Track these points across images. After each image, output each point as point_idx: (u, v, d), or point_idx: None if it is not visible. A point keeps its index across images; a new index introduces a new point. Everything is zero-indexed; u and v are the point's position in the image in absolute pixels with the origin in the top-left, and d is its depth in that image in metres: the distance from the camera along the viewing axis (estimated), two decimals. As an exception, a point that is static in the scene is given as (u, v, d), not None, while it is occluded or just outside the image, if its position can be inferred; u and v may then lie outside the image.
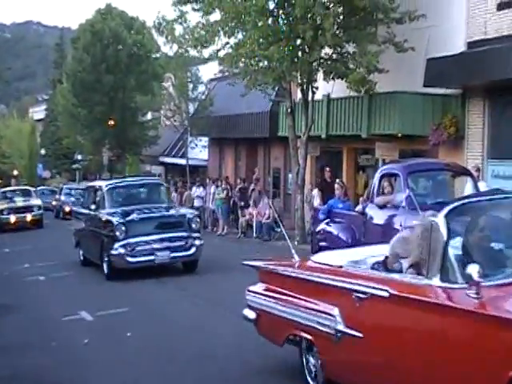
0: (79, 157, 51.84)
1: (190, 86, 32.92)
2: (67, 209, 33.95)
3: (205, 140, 34.43)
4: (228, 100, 28.33)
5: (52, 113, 58.67)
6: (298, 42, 18.24)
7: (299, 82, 19.38)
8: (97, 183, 16.62)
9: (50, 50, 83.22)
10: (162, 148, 40.37)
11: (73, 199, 34.56)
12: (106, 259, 13.79)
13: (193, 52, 28.66)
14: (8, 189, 34.83)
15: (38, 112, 75.63)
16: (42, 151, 64.52)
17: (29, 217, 29.22)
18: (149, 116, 43.38)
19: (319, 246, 12.05)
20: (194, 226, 13.90)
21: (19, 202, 29.68)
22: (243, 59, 19.19)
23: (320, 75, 18.87)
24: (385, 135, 18.14)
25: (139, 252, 13.34)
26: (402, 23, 16.95)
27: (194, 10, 20.48)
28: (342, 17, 17.78)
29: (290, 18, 18.08)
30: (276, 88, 22.25)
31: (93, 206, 15.07)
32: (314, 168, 23.25)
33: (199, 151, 34.18)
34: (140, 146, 42.30)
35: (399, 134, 17.56)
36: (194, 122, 32.22)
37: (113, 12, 42.97)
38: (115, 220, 13.58)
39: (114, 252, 13.33)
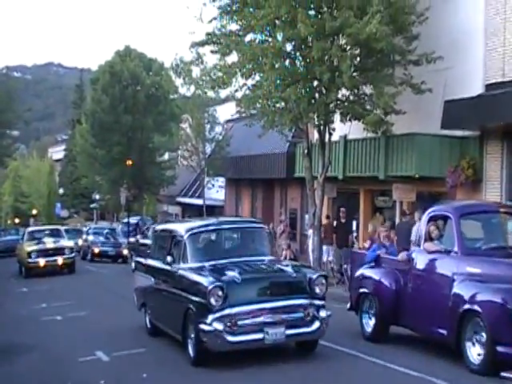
0: (97, 196, 52.20)
1: (207, 126, 33.27)
2: (96, 250, 32.45)
3: (221, 180, 34.60)
4: (245, 141, 28.53)
5: (71, 153, 59.32)
6: (315, 83, 18.36)
7: (316, 123, 19.44)
8: (172, 226, 12.46)
9: (70, 91, 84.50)
10: (179, 188, 40.63)
11: (102, 239, 33.39)
12: (192, 336, 9.63)
13: (210, 93, 29.06)
14: (36, 228, 31.62)
15: (57, 152, 76.57)
16: (61, 191, 65.14)
17: (60, 260, 25.83)
18: (166, 156, 43.75)
19: (359, 293, 11.35)
20: (317, 290, 9.80)
21: (49, 243, 26.36)
22: (260, 100, 19.32)
23: (337, 116, 18.93)
24: (402, 177, 18.09)
25: (243, 328, 9.24)
26: (420, 65, 17.05)
27: (211, 52, 20.74)
28: (358, 59, 17.91)
29: (307, 60, 18.21)
30: (293, 129, 22.37)
31: (169, 259, 10.83)
32: (330, 209, 23.20)
33: (216, 191, 34.32)
34: (157, 186, 42.59)
35: (416, 176, 17.52)
36: (210, 162, 32.47)
37: (132, 53, 43.69)
38: (208, 281, 9.37)
39: (206, 327, 9.16)
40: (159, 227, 13.59)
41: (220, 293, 9.15)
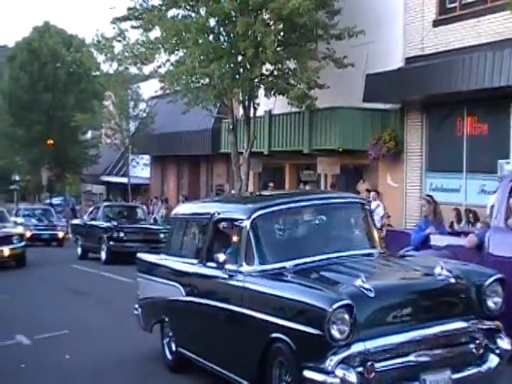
0: (17, 177, 50.68)
1: (131, 103, 32.72)
2: (28, 233, 26.44)
3: (146, 158, 34.19)
4: (170, 117, 28.22)
5: (-12, 133, 57.26)
6: (239, 58, 18.31)
7: (241, 98, 19.43)
8: (215, 207, 7.52)
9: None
10: (103, 167, 39.95)
11: (35, 221, 29.49)
12: None
13: (133, 69, 28.52)
14: None
15: (-26, 132, 73.65)
16: (-22, 172, 62.81)
17: (6, 251, 20.13)
18: (89, 135, 42.89)
19: None
20: (491, 304, 5.88)
21: None
22: (184, 76, 19.11)
23: (261, 91, 18.97)
24: (326, 150, 18.31)
25: (386, 375, 5.30)
26: (342, 39, 17.22)
27: (132, 27, 20.36)
28: (282, 33, 17.94)
29: (231, 35, 18.13)
30: (218, 105, 22.27)
31: (220, 257, 6.62)
32: (256, 184, 23.28)
33: (141, 169, 33.90)
34: (80, 166, 41.78)
35: (340, 149, 17.76)
36: (135, 140, 31.98)
37: (51, 29, 42.54)
38: (325, 297, 5.35)
39: (322, 377, 5.19)
40: (187, 209, 8.85)
41: (347, 317, 5.22)
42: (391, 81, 15.90)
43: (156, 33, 19.39)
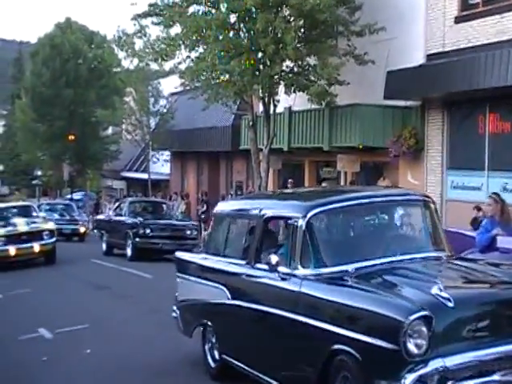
0: (39, 172, 51.12)
1: (151, 99, 32.85)
2: None
3: (166, 154, 34.32)
4: (190, 114, 28.29)
5: (10, 128, 57.83)
6: (260, 55, 18.28)
7: (261, 95, 19.40)
8: (265, 203, 7.05)
9: (8, 65, 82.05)
10: (124, 163, 40.19)
11: (57, 216, 29.17)
12: None
13: (153, 65, 28.67)
14: (2, 206, 23.23)
15: (-4, 128, 74.41)
16: (0, 167, 63.45)
17: (36, 247, 19.53)
18: (110, 130, 43.14)
19: None
20: None
21: (21, 225, 19.91)
22: (204, 73, 19.14)
23: (281, 88, 18.93)
24: (346, 147, 18.24)
25: None
26: (362, 36, 17.13)
27: (153, 23, 20.43)
28: (302, 30, 17.89)
29: (252, 32, 18.10)
30: (238, 101, 22.26)
31: (272, 259, 6.03)
32: (276, 181, 23.27)
33: (161, 165, 34.04)
34: (101, 161, 42.05)
35: (360, 146, 17.67)
36: (155, 136, 32.10)
37: (72, 26, 42.91)
38: (400, 306, 4.80)
39: None
40: (231, 206, 8.29)
41: (425, 330, 4.68)
42: (412, 78, 15.78)
43: (176, 29, 19.45)
